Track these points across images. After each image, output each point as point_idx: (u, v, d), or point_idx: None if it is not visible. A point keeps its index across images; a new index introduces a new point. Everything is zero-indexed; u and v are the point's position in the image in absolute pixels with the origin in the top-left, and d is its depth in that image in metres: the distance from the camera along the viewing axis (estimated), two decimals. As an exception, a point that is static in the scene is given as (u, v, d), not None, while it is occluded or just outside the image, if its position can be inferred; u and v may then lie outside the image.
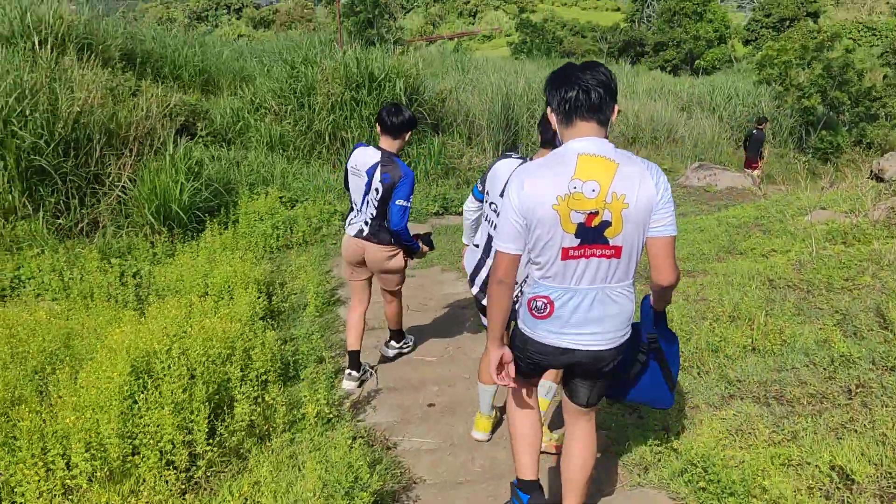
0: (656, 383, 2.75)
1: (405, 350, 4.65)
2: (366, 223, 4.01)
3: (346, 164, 4.09)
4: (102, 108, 7.09)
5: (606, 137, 2.36)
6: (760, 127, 13.04)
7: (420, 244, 4.15)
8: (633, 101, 14.03)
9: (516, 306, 2.65)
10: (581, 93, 2.29)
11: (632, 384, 2.76)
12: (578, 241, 2.31)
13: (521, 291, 2.61)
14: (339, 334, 4.80)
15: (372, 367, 4.39)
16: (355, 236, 4.05)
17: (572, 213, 2.28)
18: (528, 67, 18.54)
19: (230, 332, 3.67)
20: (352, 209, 4.12)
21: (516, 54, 40.05)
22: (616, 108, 2.40)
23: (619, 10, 74.14)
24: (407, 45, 27.05)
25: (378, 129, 3.99)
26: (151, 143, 7.48)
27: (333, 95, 10.39)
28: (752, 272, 4.78)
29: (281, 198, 8.10)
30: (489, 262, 3.19)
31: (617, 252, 2.33)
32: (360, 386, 4.16)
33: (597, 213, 2.28)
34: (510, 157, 3.25)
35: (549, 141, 3.12)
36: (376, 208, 3.94)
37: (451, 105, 11.82)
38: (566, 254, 2.33)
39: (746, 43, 57.46)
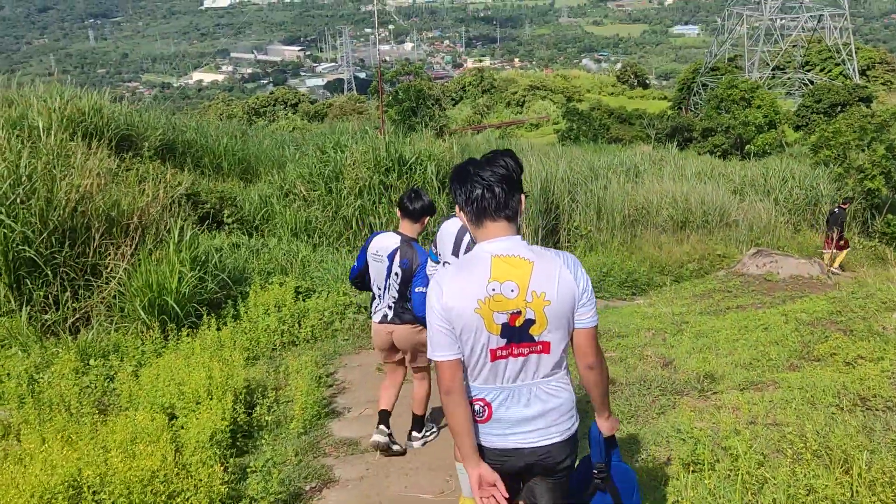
0: None
1: (430, 437, 4.49)
2: (389, 307, 4.09)
3: (365, 252, 4.14)
4: (103, 195, 6.64)
5: (518, 232, 2.39)
6: (844, 206, 12.25)
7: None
8: (681, 183, 13.25)
9: None
10: (486, 191, 2.31)
11: None
12: (505, 340, 2.33)
13: None
14: (323, 459, 3.99)
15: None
16: (381, 322, 4.14)
17: (495, 315, 2.30)
18: (573, 152, 18.04)
19: (161, 467, 2.90)
20: (374, 297, 4.21)
21: (563, 141, 39.99)
22: (523, 198, 2.40)
23: (665, 98, 74.50)
24: (451, 133, 27.09)
25: (399, 213, 4.11)
26: (156, 232, 6.98)
27: (361, 180, 9.93)
28: (837, 387, 3.85)
29: (297, 288, 7.48)
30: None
31: (545, 347, 2.35)
32: (388, 449, 4.06)
33: (519, 313, 2.29)
34: (453, 216, 3.32)
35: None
36: (398, 291, 4.04)
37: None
38: (494, 355, 2.35)
39: (797, 128, 56.61)
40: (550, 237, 11.68)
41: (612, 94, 77.70)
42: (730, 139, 48.35)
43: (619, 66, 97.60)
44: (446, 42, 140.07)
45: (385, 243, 4.04)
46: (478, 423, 2.43)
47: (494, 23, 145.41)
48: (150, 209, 7.03)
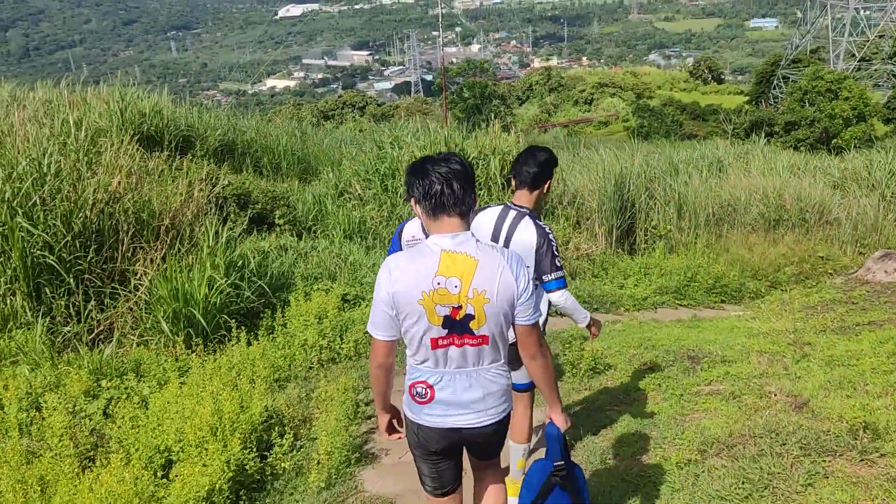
0: None
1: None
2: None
3: (398, 239, 3.87)
4: (133, 194, 6.05)
5: (468, 228, 2.51)
6: None
7: None
8: (772, 177, 11.96)
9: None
10: (445, 187, 2.43)
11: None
12: (446, 331, 2.46)
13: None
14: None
15: None
16: None
17: (437, 307, 2.43)
18: (646, 147, 16.85)
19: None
20: None
21: (634, 139, 38.51)
22: (475, 196, 2.52)
23: (741, 92, 71.70)
24: (518, 131, 26.16)
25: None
26: (191, 235, 6.36)
27: (417, 177, 9.16)
28: None
29: (345, 295, 6.75)
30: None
31: (484, 340, 2.50)
32: None
33: (460, 307, 2.43)
34: (488, 207, 3.46)
35: (525, 182, 3.40)
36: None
37: (557, 186, 10.29)
38: (435, 343, 2.48)
39: (888, 121, 53.42)
40: (626, 238, 10.64)
41: (685, 89, 75.26)
42: (815, 133, 45.82)
43: (689, 61, 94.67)
44: (513, 43, 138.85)
45: (418, 227, 3.76)
46: (419, 403, 2.57)
47: (562, 22, 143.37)
48: (185, 210, 6.41)
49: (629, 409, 4.22)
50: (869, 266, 7.44)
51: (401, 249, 3.84)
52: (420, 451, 2.69)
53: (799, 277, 9.56)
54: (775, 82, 61.74)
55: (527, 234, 3.33)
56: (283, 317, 5.87)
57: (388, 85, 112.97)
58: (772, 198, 11.38)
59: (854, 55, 60.43)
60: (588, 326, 3.59)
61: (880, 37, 62.10)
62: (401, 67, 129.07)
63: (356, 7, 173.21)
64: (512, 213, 3.40)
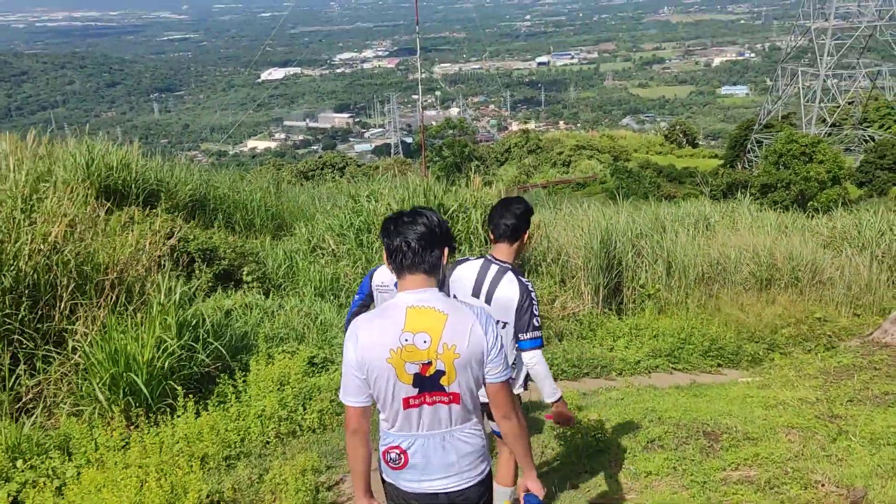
0: None
1: None
2: None
3: (368, 284, 3.95)
4: (75, 245, 5.44)
5: (437, 284, 2.50)
6: None
7: None
8: (762, 236, 11.60)
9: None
10: (403, 245, 2.44)
11: None
12: (417, 390, 2.41)
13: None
14: None
15: None
16: None
17: (406, 365, 2.39)
18: (627, 206, 16.55)
19: None
20: None
21: (613, 200, 38.51)
22: (446, 249, 2.52)
23: (716, 156, 72.91)
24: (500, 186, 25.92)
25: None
26: (142, 291, 5.73)
27: (394, 231, 8.64)
28: None
29: (312, 358, 6.12)
30: None
31: (455, 398, 2.44)
32: None
33: (430, 364, 2.39)
34: (467, 260, 3.45)
35: (503, 235, 3.36)
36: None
37: (540, 242, 9.83)
38: (407, 403, 2.42)
39: (861, 185, 54.39)
40: (613, 297, 10.13)
41: (660, 153, 76.45)
42: (791, 195, 46.31)
43: (663, 125, 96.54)
44: (491, 106, 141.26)
45: (390, 274, 3.50)
46: (393, 469, 2.52)
47: (539, 86, 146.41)
48: (134, 264, 5.80)
49: (642, 501, 3.60)
50: (886, 328, 6.93)
51: (369, 292, 3.99)
52: None
53: (797, 339, 9.08)
54: (749, 146, 63.02)
55: (510, 289, 3.26)
56: (241, 383, 5.22)
57: (368, 146, 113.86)
58: (763, 256, 10.99)
59: (825, 121, 61.97)
60: (554, 403, 3.34)
61: (850, 103, 63.90)
62: (381, 129, 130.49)
63: (337, 71, 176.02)
64: (493, 268, 3.35)
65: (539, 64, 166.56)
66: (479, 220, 8.81)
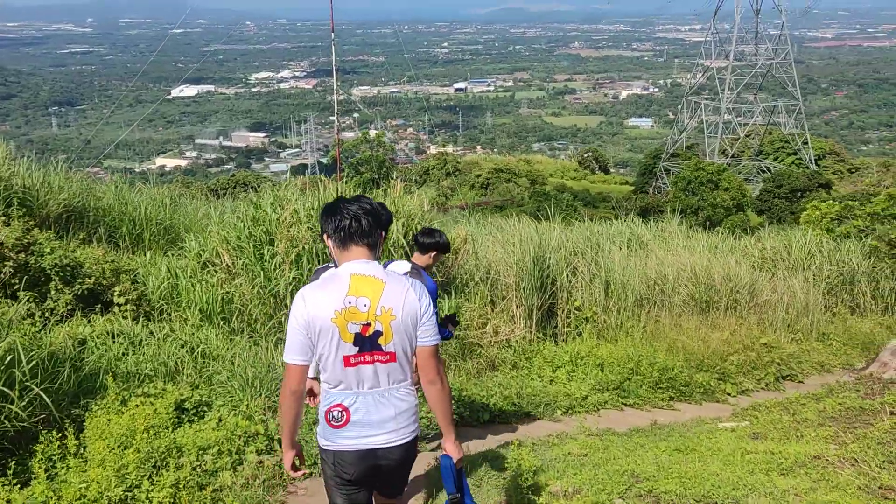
0: None
1: None
2: None
3: None
4: None
5: (376, 259, 2.81)
6: None
7: (449, 329, 4.59)
8: (699, 256, 10.91)
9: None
10: (353, 221, 2.75)
11: None
12: (357, 349, 2.69)
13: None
14: None
15: None
16: None
17: (349, 325, 2.68)
18: (555, 225, 15.74)
19: None
20: None
21: (538, 221, 38.17)
22: (383, 234, 2.85)
23: (627, 182, 74.59)
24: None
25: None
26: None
27: (300, 242, 7.34)
28: None
29: (182, 403, 4.75)
30: None
31: (392, 357, 2.73)
32: None
33: (370, 325, 2.69)
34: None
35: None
36: None
37: (467, 259, 8.74)
38: (347, 361, 2.69)
39: (760, 212, 56.46)
40: (547, 321, 9.13)
41: (574, 178, 77.56)
42: (699, 220, 47.44)
43: (570, 150, 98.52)
44: (410, 129, 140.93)
45: (398, 268, 4.33)
46: (335, 427, 2.72)
47: (457, 111, 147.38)
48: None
49: None
50: (885, 361, 6.07)
51: None
52: (335, 480, 2.78)
53: (745, 367, 8.30)
54: (658, 173, 64.71)
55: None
56: (74, 442, 3.81)
57: (284, 166, 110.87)
58: (701, 277, 10.27)
59: (725, 152, 64.50)
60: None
61: (748, 136, 66.85)
62: (298, 150, 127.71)
63: (253, 90, 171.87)
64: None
65: (457, 90, 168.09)
66: (400, 230, 7.65)
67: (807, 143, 61.61)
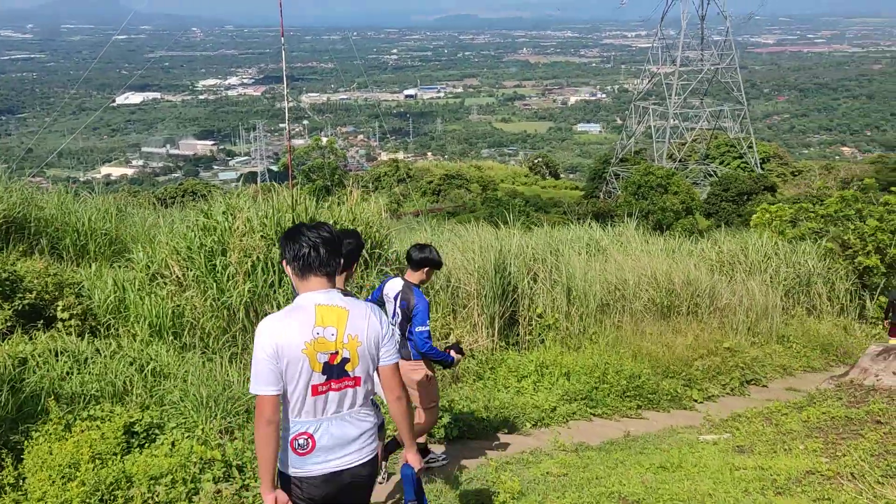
0: None
1: (433, 464, 4.83)
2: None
3: (380, 292, 4.78)
4: None
5: (334, 287, 2.86)
6: None
7: (453, 357, 4.62)
8: (659, 260, 10.91)
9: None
10: (312, 251, 2.78)
11: None
12: (325, 377, 2.76)
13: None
14: None
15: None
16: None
17: (318, 355, 2.74)
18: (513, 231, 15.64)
19: None
20: None
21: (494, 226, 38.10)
22: (342, 261, 2.96)
23: (577, 188, 75.38)
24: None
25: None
26: None
27: (254, 252, 7.02)
28: None
29: (132, 426, 4.42)
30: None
31: (357, 381, 2.83)
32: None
33: (337, 353, 2.77)
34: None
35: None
36: (399, 329, 4.55)
37: (428, 267, 8.51)
38: (316, 390, 2.75)
39: (708, 216, 57.68)
40: (509, 329, 8.97)
41: (525, 183, 78.11)
42: (649, 224, 48.17)
43: (520, 156, 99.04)
44: (360, 136, 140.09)
45: (393, 286, 4.63)
46: (301, 455, 2.77)
47: (407, 118, 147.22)
48: None
49: None
50: (865, 367, 5.94)
51: (380, 297, 4.68)
52: (302, 502, 2.80)
53: (710, 373, 8.27)
54: (607, 178, 65.55)
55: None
56: (12, 473, 3.46)
57: (233, 174, 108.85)
58: (662, 282, 10.26)
59: (672, 156, 65.77)
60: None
61: (694, 141, 68.28)
62: (247, 158, 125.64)
63: (200, 97, 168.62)
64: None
65: (407, 96, 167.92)
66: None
67: (752, 146, 63.21)
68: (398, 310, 4.50)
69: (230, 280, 7.00)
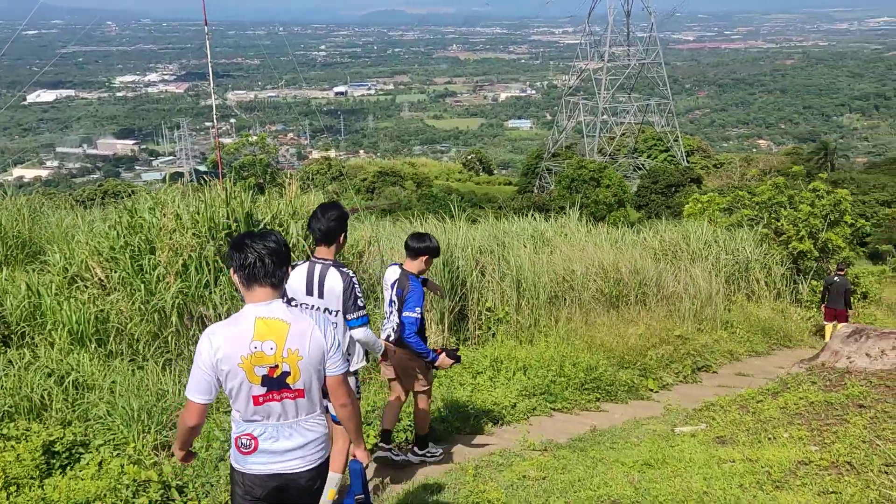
0: None
1: (429, 459, 4.75)
2: (393, 329, 4.52)
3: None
4: None
5: (281, 297, 2.86)
6: (842, 272, 11.54)
7: (438, 355, 4.56)
8: (606, 250, 10.79)
9: None
10: (257, 261, 2.77)
11: None
12: (265, 389, 2.75)
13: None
14: None
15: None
16: (386, 339, 4.51)
17: (256, 368, 2.73)
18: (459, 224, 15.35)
19: None
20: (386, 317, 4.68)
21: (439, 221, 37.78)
22: (288, 269, 2.92)
23: (510, 183, 75.89)
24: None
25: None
26: None
27: (185, 250, 6.48)
28: None
29: (52, 444, 3.89)
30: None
31: (300, 393, 2.81)
32: (392, 462, 4.55)
33: (277, 367, 2.74)
34: (296, 264, 4.04)
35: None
36: (397, 315, 4.52)
37: (372, 261, 8.14)
38: (257, 400, 2.76)
39: (638, 208, 58.93)
40: (459, 324, 8.66)
41: (459, 179, 78.18)
42: (583, 217, 48.71)
43: (452, 152, 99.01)
44: (290, 135, 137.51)
45: (391, 273, 4.65)
46: (244, 454, 2.82)
47: (338, 115, 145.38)
48: None
49: None
50: (836, 349, 5.80)
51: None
52: (245, 498, 2.86)
53: (663, 361, 8.16)
54: (540, 173, 66.19)
55: (335, 280, 3.82)
56: None
57: (157, 175, 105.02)
58: (610, 272, 10.14)
59: (603, 151, 66.96)
60: (383, 355, 4.27)
61: (623, 135, 69.73)
62: (172, 158, 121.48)
63: (118, 95, 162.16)
64: (318, 266, 3.90)
65: (337, 93, 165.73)
66: (300, 233, 6.93)
67: (678, 140, 64.82)
68: (394, 297, 4.47)
69: (160, 281, 6.44)
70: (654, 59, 69.01)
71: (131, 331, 6.54)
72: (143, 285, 6.55)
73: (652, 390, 7.45)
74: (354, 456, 3.06)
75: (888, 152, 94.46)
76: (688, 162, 63.22)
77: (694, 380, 8.11)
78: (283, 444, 2.79)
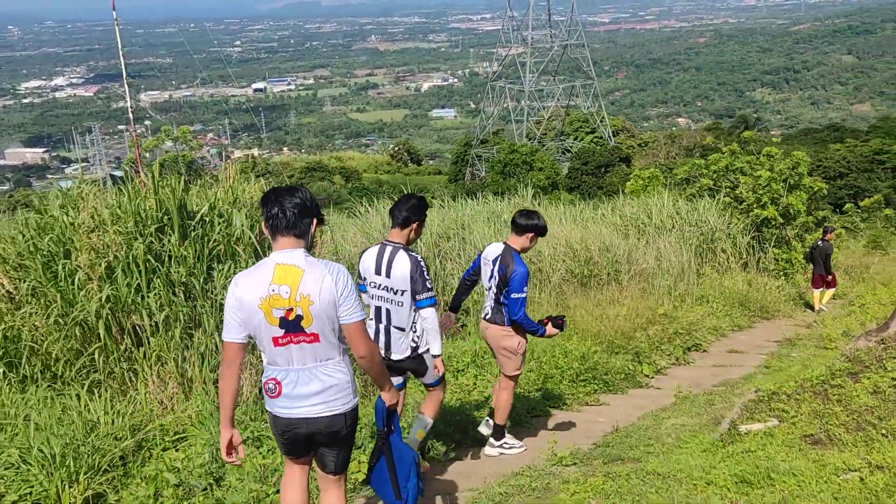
0: (383, 479, 3.28)
1: (507, 452, 4.65)
2: (490, 307, 4.63)
3: (480, 256, 4.73)
4: None
5: (305, 247, 3.02)
6: (826, 238, 11.34)
7: (545, 329, 4.60)
8: (570, 228, 10.16)
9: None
10: (280, 212, 2.95)
11: (370, 470, 3.35)
12: (283, 331, 2.95)
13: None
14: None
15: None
16: (483, 318, 4.73)
17: (273, 310, 2.93)
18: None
19: None
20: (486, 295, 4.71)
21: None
22: (315, 221, 3.04)
23: (440, 172, 75.36)
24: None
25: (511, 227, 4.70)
26: None
27: (109, 250, 5.43)
28: None
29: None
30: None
31: (315, 337, 2.97)
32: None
33: (291, 310, 2.92)
34: (369, 247, 4.30)
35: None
36: (495, 293, 4.55)
37: (332, 246, 7.23)
38: (276, 342, 2.97)
39: (570, 190, 59.22)
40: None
41: (388, 171, 77.21)
42: (536, 199, 48.53)
43: (378, 144, 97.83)
44: (210, 135, 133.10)
45: (493, 250, 4.64)
46: (270, 397, 3.04)
47: (259, 112, 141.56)
48: None
49: None
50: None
51: (478, 265, 4.73)
52: (278, 439, 3.11)
53: (654, 343, 7.53)
54: (470, 160, 65.85)
55: (403, 263, 4.01)
56: None
57: (72, 183, 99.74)
58: (579, 251, 9.49)
59: (530, 135, 67.09)
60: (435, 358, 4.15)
61: (550, 118, 70.03)
62: (86, 164, 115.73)
63: (24, 101, 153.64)
64: (389, 249, 4.11)
65: (256, 90, 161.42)
66: (245, 224, 5.96)
67: (604, 120, 65.39)
68: (496, 273, 4.45)
69: (81, 288, 5.36)
70: (576, 39, 69.44)
71: (48, 349, 5.45)
72: (59, 295, 5.46)
73: (647, 376, 6.82)
74: (380, 396, 3.22)
75: (800, 124, 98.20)
76: (614, 142, 63.92)
77: (686, 361, 7.54)
78: (302, 389, 2.95)
